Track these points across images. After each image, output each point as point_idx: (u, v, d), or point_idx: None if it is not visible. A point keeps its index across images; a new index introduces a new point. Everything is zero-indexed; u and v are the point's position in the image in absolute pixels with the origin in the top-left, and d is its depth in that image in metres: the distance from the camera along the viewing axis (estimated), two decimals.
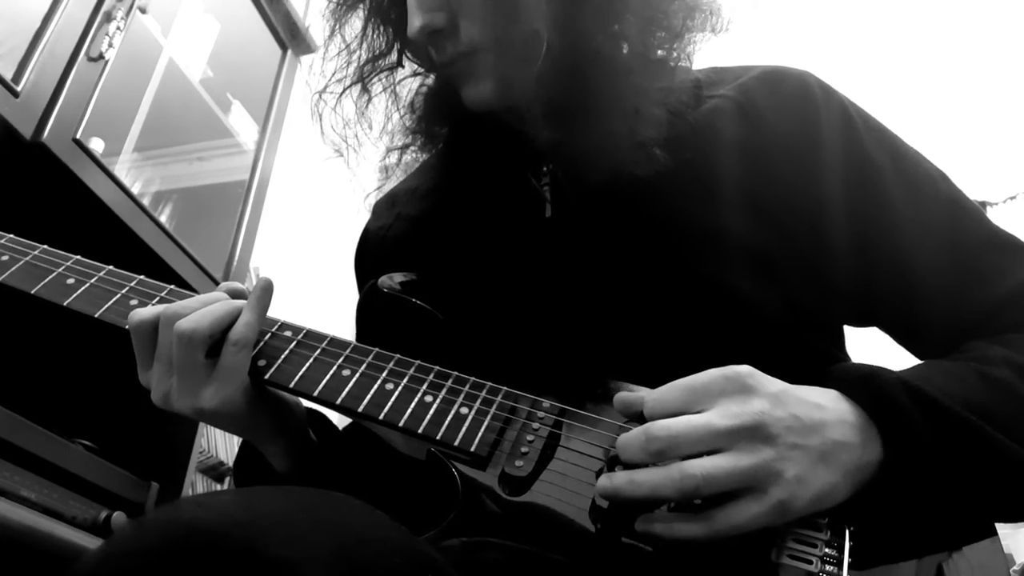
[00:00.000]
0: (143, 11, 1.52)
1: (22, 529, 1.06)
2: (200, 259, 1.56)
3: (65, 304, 0.69)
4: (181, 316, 0.63)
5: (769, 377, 0.53)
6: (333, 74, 0.81)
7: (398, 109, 0.82)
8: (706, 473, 0.48)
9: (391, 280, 0.72)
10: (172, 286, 0.71)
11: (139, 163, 1.70)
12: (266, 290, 0.66)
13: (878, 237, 0.70)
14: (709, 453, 0.49)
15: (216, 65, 1.85)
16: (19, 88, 1.18)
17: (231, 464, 1.99)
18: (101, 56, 1.34)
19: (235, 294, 0.69)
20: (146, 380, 0.66)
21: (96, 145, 1.36)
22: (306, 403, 0.71)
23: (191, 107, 1.77)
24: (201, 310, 0.64)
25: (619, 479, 0.50)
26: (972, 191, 0.74)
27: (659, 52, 0.73)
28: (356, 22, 0.80)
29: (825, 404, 0.53)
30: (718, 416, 0.50)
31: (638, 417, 0.54)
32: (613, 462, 0.53)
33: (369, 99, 0.81)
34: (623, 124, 0.68)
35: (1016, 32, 2.90)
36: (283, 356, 0.66)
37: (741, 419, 0.49)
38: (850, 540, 0.51)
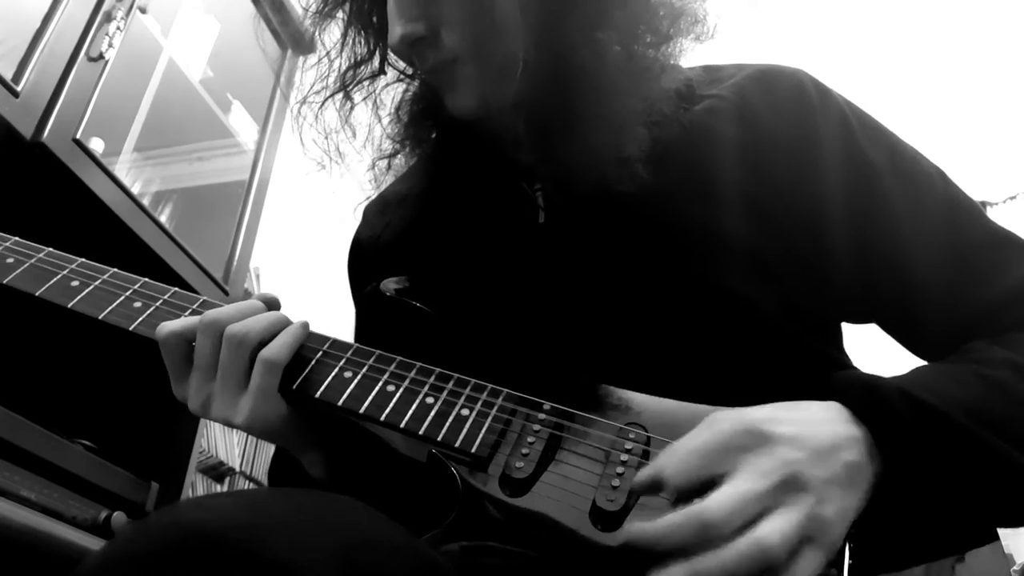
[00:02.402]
0: (143, 11, 1.52)
1: (22, 529, 1.06)
2: (200, 259, 1.56)
3: (69, 306, 0.70)
4: (223, 323, 0.63)
5: (775, 415, 0.51)
6: (312, 84, 0.80)
7: (381, 117, 0.81)
8: (783, 540, 0.45)
9: (392, 284, 0.72)
10: (176, 288, 0.72)
11: (139, 163, 1.70)
12: (305, 328, 0.67)
13: (876, 236, 0.69)
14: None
15: (216, 65, 1.85)
16: (19, 88, 1.18)
17: (231, 464, 2.00)
18: (101, 56, 1.34)
19: (270, 304, 0.69)
20: (181, 392, 0.66)
21: (96, 145, 1.36)
22: None
23: (191, 107, 1.77)
24: (254, 316, 0.64)
25: (676, 574, 0.45)
26: (972, 191, 0.74)
27: (643, 62, 0.72)
28: (337, 29, 0.79)
29: (835, 428, 0.52)
30: (755, 479, 0.47)
31: (661, 490, 0.51)
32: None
33: (352, 106, 0.80)
34: (607, 139, 0.67)
35: (1016, 32, 2.90)
36: None
37: (777, 475, 0.48)
38: (850, 543, 0.51)
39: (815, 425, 0.52)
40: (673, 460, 0.50)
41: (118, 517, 1.24)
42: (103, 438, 1.35)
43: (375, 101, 0.81)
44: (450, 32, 0.68)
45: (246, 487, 2.05)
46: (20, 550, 1.07)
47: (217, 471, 1.95)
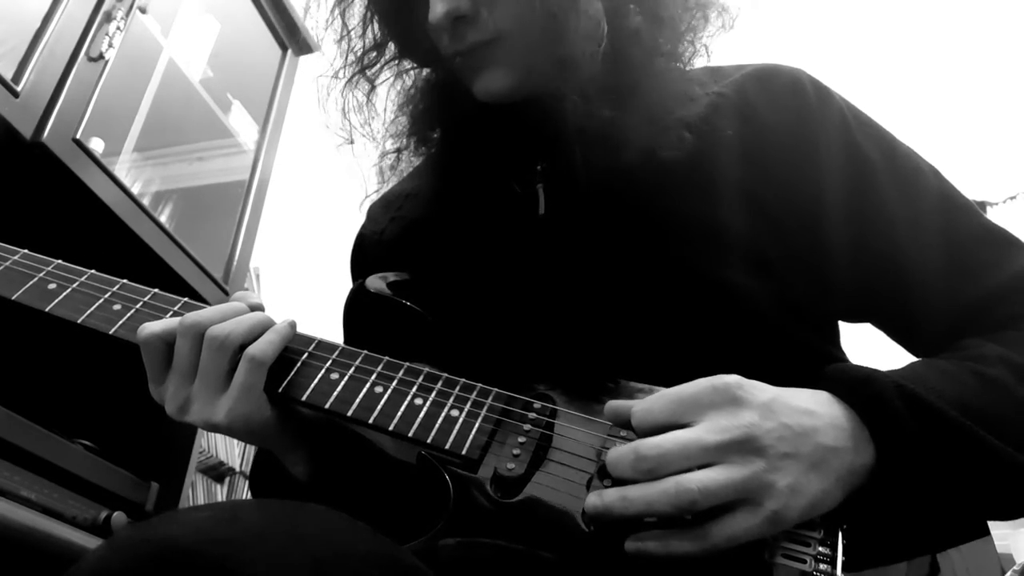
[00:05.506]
0: (143, 11, 1.52)
1: (22, 529, 1.06)
2: (200, 259, 1.57)
3: (47, 310, 0.68)
4: (204, 324, 0.62)
5: (759, 385, 0.52)
6: (334, 67, 0.80)
7: (391, 108, 0.81)
8: (702, 487, 0.47)
9: (380, 281, 0.71)
10: (156, 290, 0.70)
11: (139, 163, 1.70)
12: (292, 327, 0.66)
13: (871, 233, 0.70)
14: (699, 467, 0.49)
15: (216, 65, 1.85)
16: (19, 88, 1.18)
17: (231, 464, 2.00)
18: (101, 56, 1.34)
19: (254, 307, 0.68)
20: (159, 394, 0.65)
21: (96, 145, 1.36)
22: None
23: (191, 107, 1.77)
24: (236, 318, 0.63)
25: (609, 496, 0.50)
26: (972, 191, 0.74)
27: (682, 44, 0.74)
28: (355, 15, 0.79)
29: (816, 410, 0.52)
30: (707, 431, 0.49)
31: (626, 425, 0.54)
32: (602, 473, 0.53)
33: (372, 88, 0.80)
34: (660, 105, 0.68)
35: (1016, 32, 2.90)
36: None
37: (731, 433, 0.49)
38: (844, 539, 0.51)
39: (795, 402, 0.52)
40: (643, 402, 0.53)
41: (118, 517, 1.24)
42: (103, 438, 1.35)
43: (394, 86, 0.81)
44: (496, 9, 0.68)
45: (246, 487, 2.05)
46: (20, 550, 1.07)
47: (217, 471, 1.95)
